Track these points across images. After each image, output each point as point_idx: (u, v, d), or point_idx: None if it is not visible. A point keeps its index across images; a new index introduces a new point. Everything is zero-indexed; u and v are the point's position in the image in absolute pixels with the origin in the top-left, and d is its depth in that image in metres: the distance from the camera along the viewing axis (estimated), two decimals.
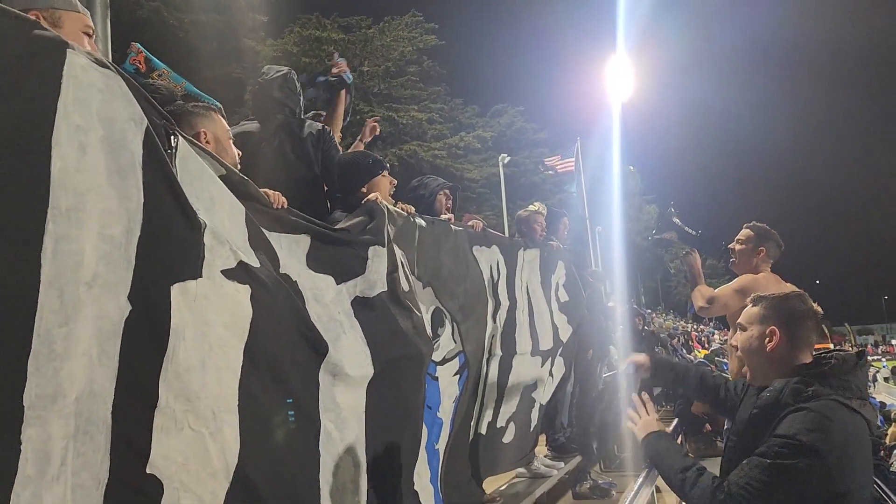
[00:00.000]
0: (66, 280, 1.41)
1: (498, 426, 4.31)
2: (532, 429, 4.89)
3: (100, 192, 1.55)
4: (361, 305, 2.63)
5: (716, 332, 35.04)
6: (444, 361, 3.43)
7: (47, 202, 1.40)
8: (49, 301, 1.37)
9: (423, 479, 3.02)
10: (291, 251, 2.37)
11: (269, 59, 22.98)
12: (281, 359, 2.14)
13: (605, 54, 22.60)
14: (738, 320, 2.17)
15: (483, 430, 4.10)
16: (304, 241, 2.43)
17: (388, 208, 2.98)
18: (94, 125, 1.57)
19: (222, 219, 1.99)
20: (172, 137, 1.84)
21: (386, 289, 2.76)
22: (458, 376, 3.57)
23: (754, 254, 3.75)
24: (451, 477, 3.52)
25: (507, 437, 4.44)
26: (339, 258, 2.59)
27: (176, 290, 1.73)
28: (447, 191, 4.19)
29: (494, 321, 4.18)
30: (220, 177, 2.06)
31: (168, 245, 1.74)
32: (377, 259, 2.74)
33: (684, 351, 18.76)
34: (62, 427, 1.38)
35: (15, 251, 1.35)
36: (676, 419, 8.35)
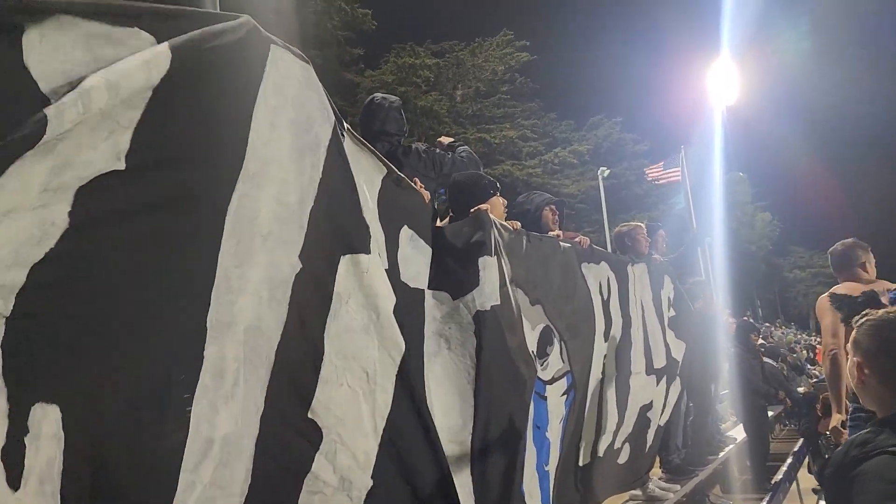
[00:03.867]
0: (244, 229, 1.66)
1: (615, 447, 4.24)
2: (647, 449, 4.76)
3: (281, 164, 1.80)
4: (482, 320, 2.65)
5: None
6: (552, 381, 3.38)
7: (241, 165, 1.68)
8: (229, 245, 1.62)
9: (534, 501, 3.00)
10: (427, 261, 2.56)
11: (368, 89, 23.95)
12: (412, 358, 2.27)
13: (708, 58, 21.74)
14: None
15: (601, 453, 4.03)
16: (429, 253, 2.58)
17: (495, 220, 2.98)
18: (286, 108, 1.85)
19: (370, 219, 2.20)
20: (343, 133, 2.09)
21: (499, 302, 2.75)
22: (565, 396, 3.52)
23: (850, 271, 3.89)
24: (563, 500, 3.48)
25: (622, 458, 4.36)
26: (454, 271, 2.65)
27: (347, 259, 1.97)
28: (553, 206, 4.18)
29: (606, 340, 4.10)
30: (382, 177, 2.35)
31: (339, 219, 1.99)
32: (488, 270, 2.75)
33: (808, 366, 17.51)
34: (234, 350, 1.60)
35: (211, 202, 1.61)
36: (802, 439, 7.83)
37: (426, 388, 2.41)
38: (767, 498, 5.16)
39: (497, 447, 2.66)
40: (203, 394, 1.51)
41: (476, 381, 2.60)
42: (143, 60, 1.42)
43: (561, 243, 3.80)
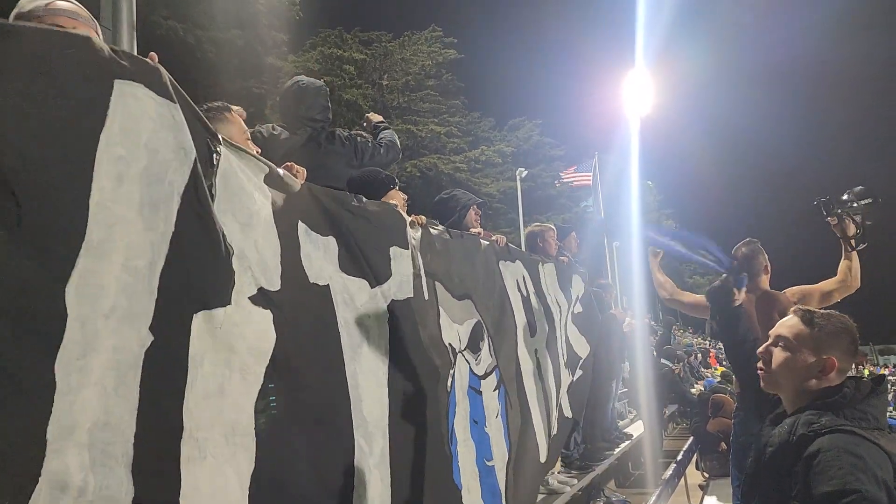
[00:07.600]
0: (87, 312, 1.43)
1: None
2: (560, 442, 4.90)
3: (127, 224, 1.54)
4: (395, 310, 2.63)
5: None
6: (485, 375, 3.43)
7: (83, 236, 1.43)
8: (73, 334, 1.40)
9: (472, 495, 2.99)
10: (327, 253, 2.40)
11: (291, 75, 23.20)
12: (308, 379, 2.15)
13: (623, 69, 22.58)
14: (780, 332, 1.98)
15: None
16: (332, 243, 2.43)
17: (407, 217, 3.00)
18: (137, 156, 1.57)
19: (256, 238, 2.00)
20: (215, 155, 1.85)
21: (412, 295, 2.76)
22: (496, 391, 3.55)
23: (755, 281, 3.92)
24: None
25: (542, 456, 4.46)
26: (369, 259, 2.58)
27: (199, 318, 1.72)
28: (476, 206, 4.24)
29: (533, 335, 4.18)
30: (264, 176, 2.11)
31: (196, 275, 1.74)
32: (399, 260, 2.74)
33: (702, 368, 18.55)
34: (77, 457, 1.39)
35: (47, 286, 1.37)
36: (692, 437, 8.27)
37: (350, 386, 2.34)
38: (657, 493, 5.39)
39: (413, 438, 2.66)
40: None
41: (389, 371, 2.58)
42: None
43: (481, 241, 3.86)
